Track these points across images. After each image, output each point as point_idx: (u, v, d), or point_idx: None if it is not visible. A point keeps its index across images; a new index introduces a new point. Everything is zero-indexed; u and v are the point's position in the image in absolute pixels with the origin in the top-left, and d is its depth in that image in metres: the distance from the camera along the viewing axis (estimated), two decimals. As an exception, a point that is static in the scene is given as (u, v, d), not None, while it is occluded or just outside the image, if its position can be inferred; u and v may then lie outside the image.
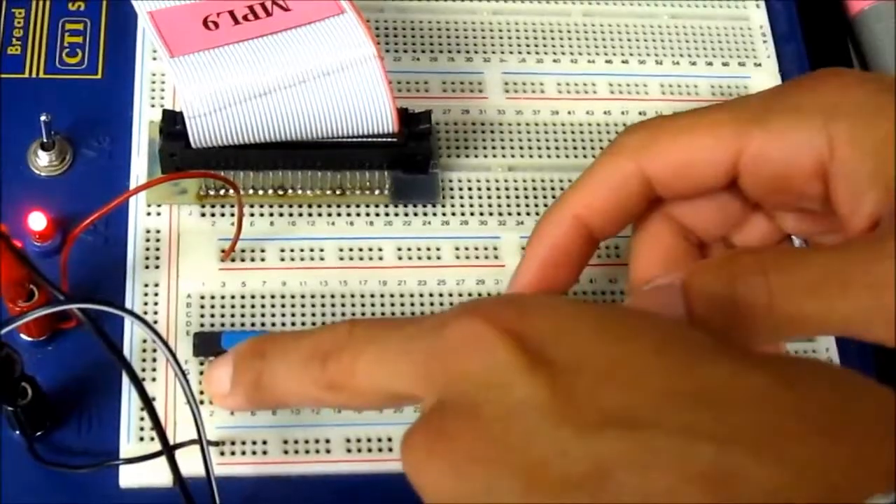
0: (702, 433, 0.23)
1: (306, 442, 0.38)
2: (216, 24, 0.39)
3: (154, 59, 0.43)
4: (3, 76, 0.42)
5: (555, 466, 0.24)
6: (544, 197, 0.43)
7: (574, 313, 0.27)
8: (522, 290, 0.35)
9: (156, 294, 0.39)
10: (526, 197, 0.43)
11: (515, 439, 0.25)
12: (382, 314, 0.40)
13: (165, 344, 0.32)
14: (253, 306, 0.39)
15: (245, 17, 0.39)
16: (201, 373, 0.38)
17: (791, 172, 0.31)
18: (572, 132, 0.44)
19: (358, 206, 0.41)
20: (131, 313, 0.31)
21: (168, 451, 0.32)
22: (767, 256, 0.30)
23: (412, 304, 0.40)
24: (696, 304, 0.30)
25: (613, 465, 0.23)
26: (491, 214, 0.42)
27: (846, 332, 0.29)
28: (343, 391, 0.30)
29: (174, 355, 0.32)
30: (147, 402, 0.31)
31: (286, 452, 0.37)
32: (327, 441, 0.38)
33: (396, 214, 0.42)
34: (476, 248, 0.42)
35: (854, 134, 0.30)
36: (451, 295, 0.41)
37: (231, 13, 0.39)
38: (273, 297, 0.40)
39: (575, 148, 0.44)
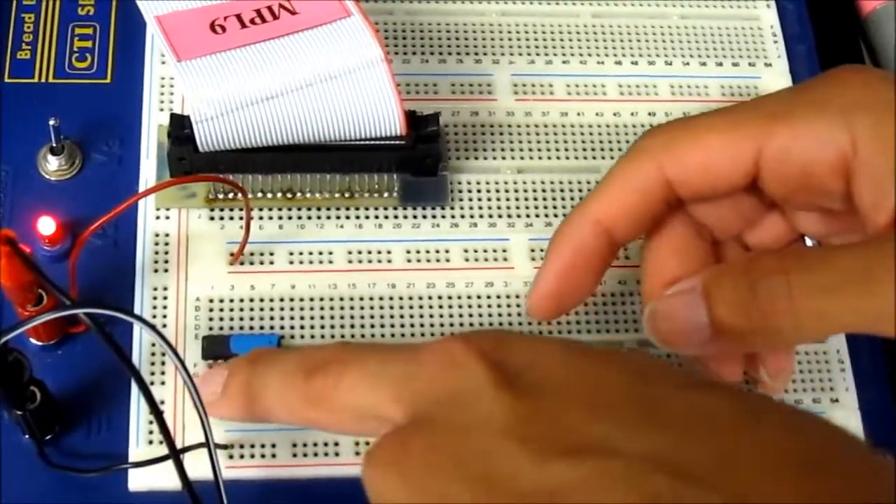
0: (658, 462, 0.23)
1: (315, 445, 0.38)
2: (223, 28, 0.39)
3: (163, 63, 0.43)
4: (13, 81, 0.42)
5: (507, 485, 0.24)
6: (554, 199, 0.43)
7: (547, 344, 0.27)
8: (543, 297, 0.35)
9: (165, 297, 0.39)
10: (535, 199, 0.43)
11: (472, 454, 0.25)
12: (391, 317, 0.40)
13: (174, 350, 0.32)
14: (262, 309, 0.39)
15: (252, 21, 0.39)
16: (210, 376, 0.38)
17: (813, 169, 0.31)
18: (582, 133, 0.44)
19: (367, 208, 0.41)
20: (140, 319, 0.31)
21: (175, 455, 0.32)
22: (788, 257, 0.30)
23: (421, 307, 0.40)
24: (717, 307, 0.30)
25: (566, 490, 0.23)
26: (500, 217, 0.42)
27: (870, 328, 0.29)
28: (324, 406, 0.30)
29: (182, 363, 0.32)
30: (154, 407, 0.31)
31: (295, 456, 0.37)
32: (336, 444, 0.38)
33: (405, 217, 0.42)
34: (485, 251, 0.42)
35: (877, 129, 0.30)
36: (459, 297, 0.40)
37: (238, 17, 0.39)
38: (282, 300, 0.40)
39: (584, 150, 0.44)
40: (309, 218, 0.41)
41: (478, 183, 0.43)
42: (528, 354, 0.27)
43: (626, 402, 0.25)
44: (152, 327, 0.31)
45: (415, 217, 0.42)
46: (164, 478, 0.36)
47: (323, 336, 0.39)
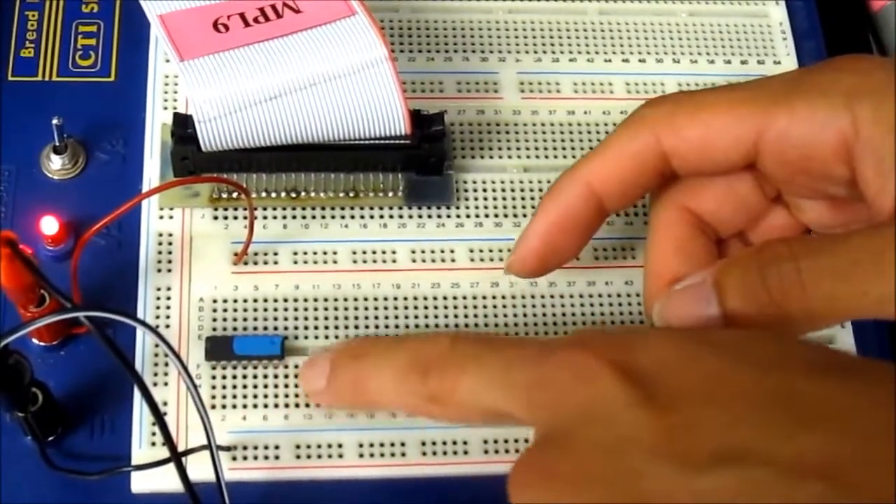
0: (807, 467, 0.23)
1: (319, 447, 0.37)
2: (226, 27, 0.39)
3: (167, 61, 0.43)
4: (16, 79, 0.42)
5: (665, 502, 0.24)
6: (560, 198, 0.42)
7: (671, 342, 0.27)
8: (528, 254, 0.36)
9: (168, 298, 0.39)
10: (541, 198, 0.42)
11: (620, 476, 0.24)
12: (396, 317, 0.40)
13: (176, 354, 0.31)
14: (265, 310, 0.39)
15: (255, 20, 0.39)
16: (213, 377, 0.38)
17: (814, 153, 0.31)
18: (588, 132, 0.44)
19: (371, 208, 0.41)
20: (142, 322, 0.31)
21: (176, 458, 0.31)
22: (797, 243, 0.30)
23: (426, 308, 0.40)
24: (728, 298, 0.30)
25: (722, 500, 0.23)
26: (506, 216, 0.42)
27: (881, 313, 0.29)
28: (443, 405, 0.30)
29: (185, 366, 0.32)
30: (155, 411, 0.30)
31: (298, 457, 0.37)
32: (340, 446, 0.37)
33: (410, 216, 0.41)
34: (491, 251, 0.41)
35: (878, 113, 0.30)
36: (465, 297, 0.40)
37: (241, 16, 0.39)
38: (286, 300, 0.39)
39: (591, 148, 0.43)
40: (313, 217, 0.41)
41: (483, 182, 0.42)
42: (654, 357, 0.26)
43: (760, 401, 0.25)
44: (154, 331, 0.31)
45: (420, 217, 0.41)
46: (167, 480, 0.36)
47: (327, 337, 0.39)
